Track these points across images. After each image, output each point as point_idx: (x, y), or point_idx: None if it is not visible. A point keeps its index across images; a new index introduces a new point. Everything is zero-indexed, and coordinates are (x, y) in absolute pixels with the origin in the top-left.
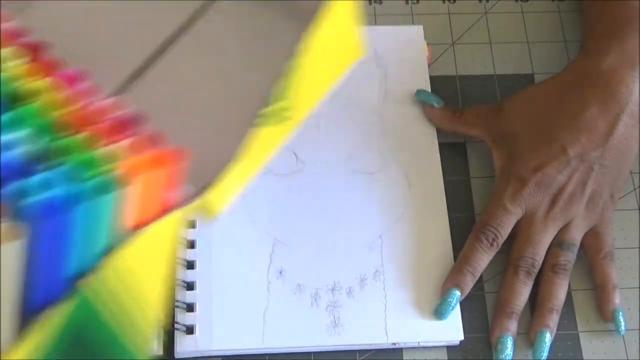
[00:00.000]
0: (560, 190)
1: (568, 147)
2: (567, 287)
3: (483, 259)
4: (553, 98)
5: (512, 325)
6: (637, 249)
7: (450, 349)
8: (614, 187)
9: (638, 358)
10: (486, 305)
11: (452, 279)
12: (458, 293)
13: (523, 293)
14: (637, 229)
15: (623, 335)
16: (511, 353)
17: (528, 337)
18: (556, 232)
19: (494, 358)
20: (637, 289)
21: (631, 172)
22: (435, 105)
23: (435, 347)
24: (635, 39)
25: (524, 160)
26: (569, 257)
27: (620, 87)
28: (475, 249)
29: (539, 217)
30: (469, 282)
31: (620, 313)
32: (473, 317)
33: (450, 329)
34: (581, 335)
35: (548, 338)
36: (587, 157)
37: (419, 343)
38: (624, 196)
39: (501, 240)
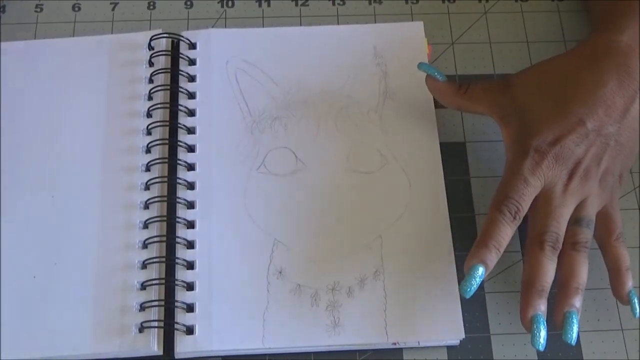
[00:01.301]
0: (577, 164)
1: (586, 120)
2: (587, 265)
3: (507, 232)
4: (569, 72)
5: (544, 305)
6: (637, 249)
7: (450, 349)
8: (624, 166)
9: (638, 358)
10: (486, 305)
11: (476, 255)
12: (482, 269)
13: (551, 270)
14: (637, 228)
15: (623, 332)
16: (545, 335)
17: (554, 319)
18: (574, 207)
19: (529, 341)
20: (637, 289)
21: (631, 172)
22: (439, 78)
23: (435, 347)
24: None
25: (541, 133)
26: (588, 235)
27: (638, 65)
28: (499, 222)
29: (558, 191)
30: (494, 258)
31: (635, 295)
32: (473, 317)
33: (450, 329)
34: (581, 334)
35: (576, 319)
36: (604, 131)
37: (419, 343)
38: (624, 196)
39: (522, 213)
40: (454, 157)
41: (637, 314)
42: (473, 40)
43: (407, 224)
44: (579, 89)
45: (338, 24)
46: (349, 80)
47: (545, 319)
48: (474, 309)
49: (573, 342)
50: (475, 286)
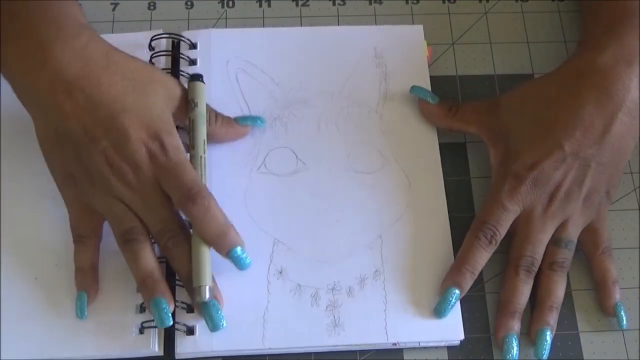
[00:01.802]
0: (557, 187)
1: (564, 143)
2: (565, 284)
3: (482, 257)
4: (549, 95)
5: (516, 325)
6: (637, 249)
7: (450, 349)
8: (610, 184)
9: (638, 358)
10: (486, 305)
11: (451, 278)
12: (457, 292)
13: (525, 292)
14: (637, 228)
15: (623, 333)
16: (517, 352)
17: (528, 336)
18: (554, 229)
19: (501, 359)
20: (637, 289)
21: (631, 172)
22: (430, 101)
23: (436, 347)
24: (634, 36)
25: (520, 157)
26: (567, 255)
27: (617, 84)
28: (474, 247)
29: (537, 215)
30: (469, 281)
31: (622, 307)
32: (473, 317)
33: (451, 329)
34: (581, 335)
35: (549, 336)
36: (583, 154)
37: (419, 343)
38: (624, 196)
39: (499, 237)
40: (454, 157)
41: (624, 325)
42: (473, 40)
43: (407, 224)
44: (559, 112)
45: (338, 24)
46: (349, 81)
47: (518, 335)
48: (474, 309)
49: (544, 358)
50: (450, 308)
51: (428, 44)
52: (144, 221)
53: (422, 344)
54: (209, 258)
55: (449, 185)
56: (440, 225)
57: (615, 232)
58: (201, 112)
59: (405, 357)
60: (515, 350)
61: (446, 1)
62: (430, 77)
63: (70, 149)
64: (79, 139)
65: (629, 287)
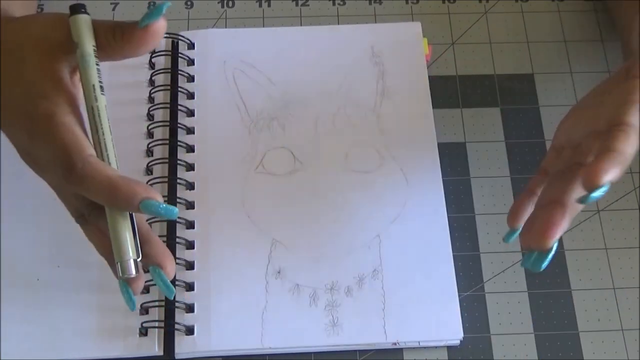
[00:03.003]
0: None
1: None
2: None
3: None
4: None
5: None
6: (637, 249)
7: (450, 349)
8: None
9: (638, 358)
10: (486, 305)
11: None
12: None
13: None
14: (637, 228)
15: (623, 333)
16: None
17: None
18: None
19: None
20: (637, 289)
21: (631, 172)
22: None
23: (436, 347)
24: None
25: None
26: None
27: None
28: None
29: None
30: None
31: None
32: (473, 317)
33: (449, 329)
34: (581, 335)
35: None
36: None
37: (419, 343)
38: (624, 196)
39: None
40: (454, 157)
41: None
42: (473, 40)
43: (405, 223)
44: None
45: (338, 23)
46: (346, 80)
47: None
48: (474, 309)
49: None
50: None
51: (428, 43)
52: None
53: (421, 344)
54: (126, 227)
55: (449, 185)
56: (438, 225)
57: (616, 233)
58: (84, 52)
59: (405, 357)
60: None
61: (446, 1)
62: (430, 77)
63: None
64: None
65: (629, 287)
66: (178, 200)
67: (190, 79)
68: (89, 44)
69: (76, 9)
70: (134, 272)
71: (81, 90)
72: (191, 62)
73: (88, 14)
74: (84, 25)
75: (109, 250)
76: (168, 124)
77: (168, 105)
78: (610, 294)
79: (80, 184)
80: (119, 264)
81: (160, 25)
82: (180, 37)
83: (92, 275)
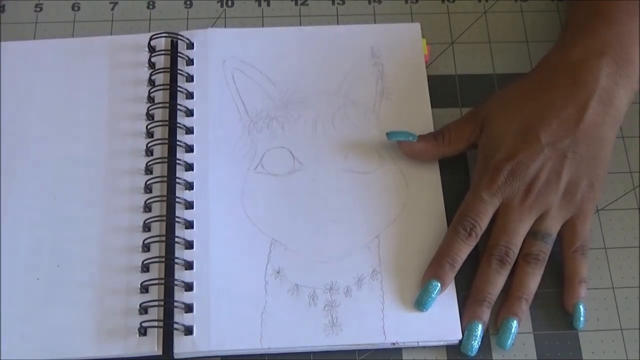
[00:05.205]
0: (535, 178)
1: (540, 135)
2: (539, 277)
3: (462, 249)
4: (525, 92)
5: (484, 314)
6: (637, 249)
7: (450, 349)
8: (592, 176)
9: (638, 358)
10: None
11: (431, 271)
12: (438, 284)
13: (496, 282)
14: (637, 228)
15: (623, 332)
16: (479, 340)
17: (496, 323)
18: (532, 221)
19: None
20: (637, 289)
21: (631, 172)
22: (412, 139)
23: (435, 347)
24: (606, 30)
25: (500, 150)
26: (543, 248)
27: (587, 75)
28: (454, 240)
29: (515, 205)
30: (449, 273)
31: (582, 307)
32: None
33: (447, 329)
34: (580, 335)
35: (514, 326)
36: (559, 145)
37: (418, 343)
38: (623, 195)
39: (479, 230)
40: (453, 157)
41: (580, 326)
42: (473, 40)
43: (404, 224)
44: (534, 107)
45: (338, 23)
46: (346, 81)
47: (485, 326)
48: None
49: (506, 348)
50: (431, 300)
51: (427, 43)
52: None
53: (420, 344)
54: None
55: (447, 185)
56: (437, 225)
57: (615, 232)
58: None
59: (404, 357)
60: (477, 338)
61: (445, 0)
62: (429, 76)
63: None
64: None
65: (629, 287)
66: (177, 200)
67: (190, 78)
68: None
69: None
70: None
71: None
72: (190, 62)
73: None
74: None
75: None
76: (167, 123)
77: (167, 105)
78: (609, 293)
79: None
80: None
81: None
82: (179, 37)
83: (91, 275)
